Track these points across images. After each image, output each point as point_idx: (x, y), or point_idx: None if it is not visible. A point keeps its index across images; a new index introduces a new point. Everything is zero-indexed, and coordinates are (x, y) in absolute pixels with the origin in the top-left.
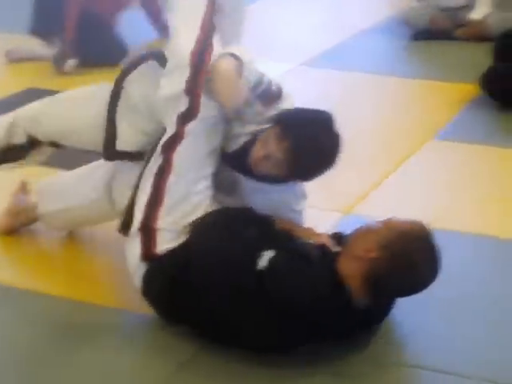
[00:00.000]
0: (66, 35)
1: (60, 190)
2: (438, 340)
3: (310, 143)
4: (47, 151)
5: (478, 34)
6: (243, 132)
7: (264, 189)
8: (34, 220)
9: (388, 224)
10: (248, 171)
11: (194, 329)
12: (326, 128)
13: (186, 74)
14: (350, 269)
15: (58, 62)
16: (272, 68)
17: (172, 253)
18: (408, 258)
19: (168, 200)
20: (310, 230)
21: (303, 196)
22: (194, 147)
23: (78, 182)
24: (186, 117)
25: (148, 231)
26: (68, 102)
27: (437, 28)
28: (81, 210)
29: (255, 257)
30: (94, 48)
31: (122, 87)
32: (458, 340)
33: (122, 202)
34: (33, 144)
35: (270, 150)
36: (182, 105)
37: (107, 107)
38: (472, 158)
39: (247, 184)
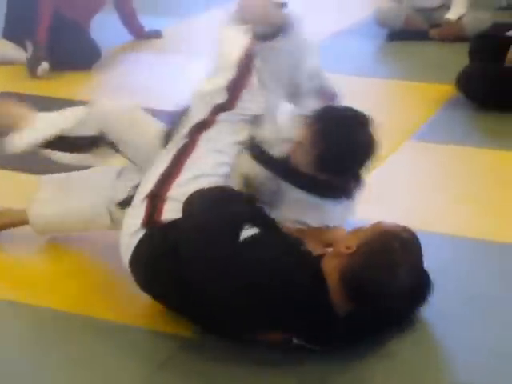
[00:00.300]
0: (39, 39)
1: (61, 196)
2: None
3: (347, 141)
4: (107, 152)
5: (453, 35)
6: (280, 138)
7: (309, 200)
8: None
9: (375, 225)
10: (297, 179)
11: (168, 305)
12: (363, 126)
13: (229, 74)
14: (330, 265)
15: (32, 66)
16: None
17: (173, 223)
18: (386, 257)
19: (184, 174)
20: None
21: (351, 212)
22: (221, 134)
23: (80, 194)
24: (221, 108)
25: (156, 199)
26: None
27: (412, 28)
28: (78, 219)
29: (238, 229)
30: (67, 51)
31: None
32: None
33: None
34: (98, 141)
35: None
36: (220, 98)
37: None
38: (448, 158)
39: (292, 194)
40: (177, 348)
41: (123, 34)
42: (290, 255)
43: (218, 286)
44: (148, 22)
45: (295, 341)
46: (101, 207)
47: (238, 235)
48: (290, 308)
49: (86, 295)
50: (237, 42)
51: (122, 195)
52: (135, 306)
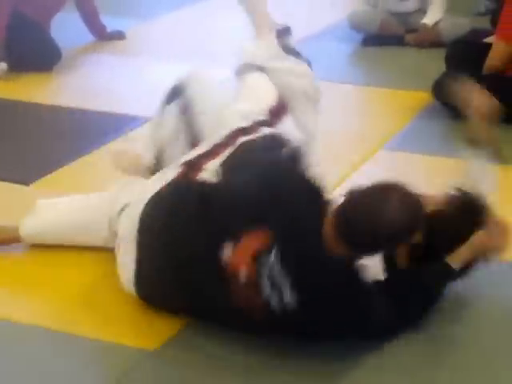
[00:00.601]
0: None
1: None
2: None
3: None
4: None
5: (430, 40)
6: None
7: None
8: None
9: None
10: None
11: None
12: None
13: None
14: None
15: None
16: (217, 74)
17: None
18: (377, 194)
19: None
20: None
21: None
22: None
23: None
24: (263, 124)
25: (193, 165)
26: None
27: (387, 33)
28: (73, 227)
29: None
30: (26, 51)
31: None
32: None
33: None
34: None
35: None
36: (261, 116)
37: None
38: (423, 168)
39: None
40: (136, 361)
41: (85, 35)
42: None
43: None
44: (111, 23)
45: (274, 303)
46: (100, 217)
47: None
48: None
49: (42, 307)
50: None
51: (125, 200)
52: (93, 317)
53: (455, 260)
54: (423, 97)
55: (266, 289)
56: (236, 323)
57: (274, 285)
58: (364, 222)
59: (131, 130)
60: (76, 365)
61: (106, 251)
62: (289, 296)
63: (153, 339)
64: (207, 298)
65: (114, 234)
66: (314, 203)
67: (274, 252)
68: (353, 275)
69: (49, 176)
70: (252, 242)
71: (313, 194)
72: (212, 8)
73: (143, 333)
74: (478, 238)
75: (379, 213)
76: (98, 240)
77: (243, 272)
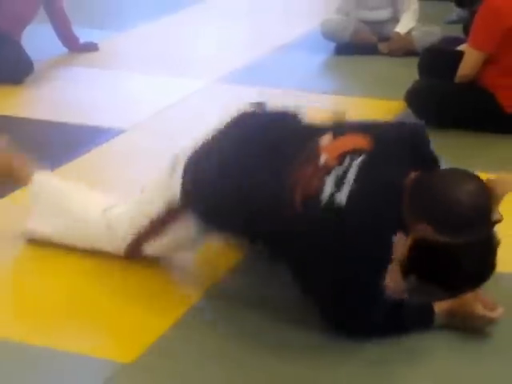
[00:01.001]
0: None
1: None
2: None
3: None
4: None
5: (402, 49)
6: None
7: None
8: None
9: None
10: None
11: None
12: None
13: None
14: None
15: None
16: (186, 85)
17: None
18: (444, 185)
19: None
20: None
21: None
22: None
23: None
24: None
25: None
26: None
27: (360, 42)
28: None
29: None
30: None
31: None
32: None
33: None
34: None
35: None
36: None
37: None
38: None
39: None
40: (113, 373)
41: (57, 46)
42: None
43: None
44: (84, 34)
45: (325, 197)
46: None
47: None
48: None
49: (14, 318)
50: None
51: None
52: (65, 329)
53: (442, 308)
54: (396, 105)
55: (330, 182)
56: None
57: (338, 183)
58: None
59: (104, 141)
60: (50, 379)
61: (90, 259)
62: (340, 200)
63: (129, 351)
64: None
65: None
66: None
67: (360, 158)
68: (389, 249)
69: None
70: (351, 140)
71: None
72: (186, 20)
73: (119, 344)
74: (471, 299)
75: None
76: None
77: (325, 157)
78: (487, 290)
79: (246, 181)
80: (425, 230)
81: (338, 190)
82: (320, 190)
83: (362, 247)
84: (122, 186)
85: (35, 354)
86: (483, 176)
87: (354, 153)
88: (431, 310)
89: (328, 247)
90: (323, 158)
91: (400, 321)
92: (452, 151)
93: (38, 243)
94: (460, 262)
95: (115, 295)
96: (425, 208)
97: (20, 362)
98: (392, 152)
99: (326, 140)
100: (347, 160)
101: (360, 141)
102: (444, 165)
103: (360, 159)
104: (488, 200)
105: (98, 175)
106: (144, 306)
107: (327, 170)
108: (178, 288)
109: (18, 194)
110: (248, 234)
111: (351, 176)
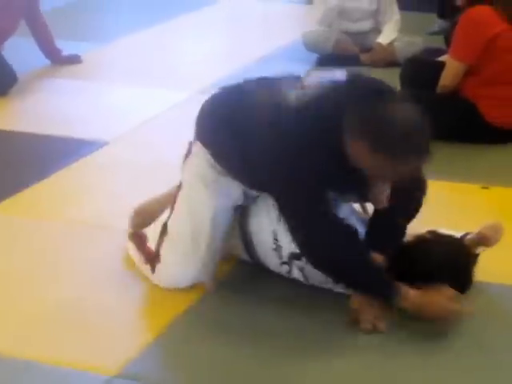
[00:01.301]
0: None
1: None
2: None
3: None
4: None
5: (384, 59)
6: None
7: None
8: None
9: None
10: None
11: None
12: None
13: None
14: None
15: None
16: (169, 97)
17: None
18: (381, 105)
19: None
20: None
21: None
22: None
23: None
24: None
25: None
26: None
27: (342, 53)
28: None
29: None
30: None
31: None
32: None
33: None
34: None
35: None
36: None
37: None
38: None
39: None
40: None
41: (40, 58)
42: None
43: None
44: (67, 47)
45: None
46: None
47: None
48: None
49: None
50: None
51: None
52: (50, 342)
53: (408, 296)
54: None
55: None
56: None
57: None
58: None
59: (88, 153)
60: None
61: (79, 273)
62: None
63: (112, 364)
64: None
65: None
66: None
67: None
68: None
69: (4, 202)
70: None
71: None
72: (168, 32)
73: (102, 357)
74: (436, 290)
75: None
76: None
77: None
78: (475, 299)
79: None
80: (362, 147)
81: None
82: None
83: (297, 146)
84: (105, 198)
85: (16, 368)
86: (467, 186)
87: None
88: (395, 286)
89: (273, 144)
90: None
91: (353, 251)
92: (434, 161)
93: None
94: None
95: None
96: (361, 126)
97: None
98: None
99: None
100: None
101: None
102: None
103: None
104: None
105: (81, 187)
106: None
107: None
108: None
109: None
110: (245, 168)
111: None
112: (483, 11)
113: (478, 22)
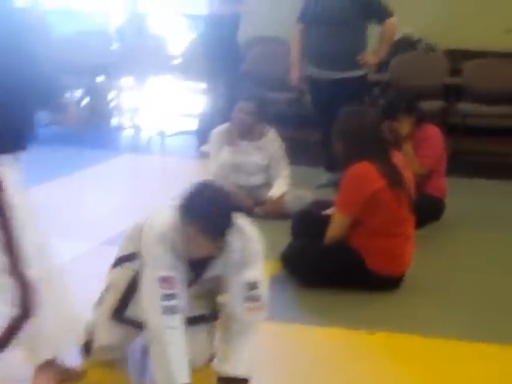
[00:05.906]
0: None
1: None
2: None
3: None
4: None
5: (276, 211)
6: None
7: None
8: None
9: None
10: None
11: None
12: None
13: None
14: None
15: None
16: (70, 248)
17: None
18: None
19: None
20: None
21: None
22: None
23: None
24: None
25: None
26: None
27: (237, 205)
28: None
29: None
30: None
31: None
32: None
33: None
34: None
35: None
36: None
37: None
38: (272, 336)
39: None
40: None
41: None
42: None
43: None
44: None
45: None
46: None
47: None
48: None
49: None
50: None
51: None
52: None
53: None
54: (272, 266)
55: None
56: None
57: None
58: None
59: None
60: None
61: None
62: None
63: None
64: None
65: None
66: None
67: None
68: None
69: None
70: None
71: None
72: (72, 184)
73: None
74: None
75: None
76: None
77: None
78: None
79: None
80: None
81: None
82: None
83: None
84: None
85: None
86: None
87: None
88: None
89: None
90: None
91: None
92: (326, 312)
93: None
94: None
95: None
96: None
97: None
98: None
99: None
100: None
101: None
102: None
103: None
104: None
105: None
106: None
107: None
108: None
109: None
110: None
111: None
112: (365, 167)
113: (360, 178)
